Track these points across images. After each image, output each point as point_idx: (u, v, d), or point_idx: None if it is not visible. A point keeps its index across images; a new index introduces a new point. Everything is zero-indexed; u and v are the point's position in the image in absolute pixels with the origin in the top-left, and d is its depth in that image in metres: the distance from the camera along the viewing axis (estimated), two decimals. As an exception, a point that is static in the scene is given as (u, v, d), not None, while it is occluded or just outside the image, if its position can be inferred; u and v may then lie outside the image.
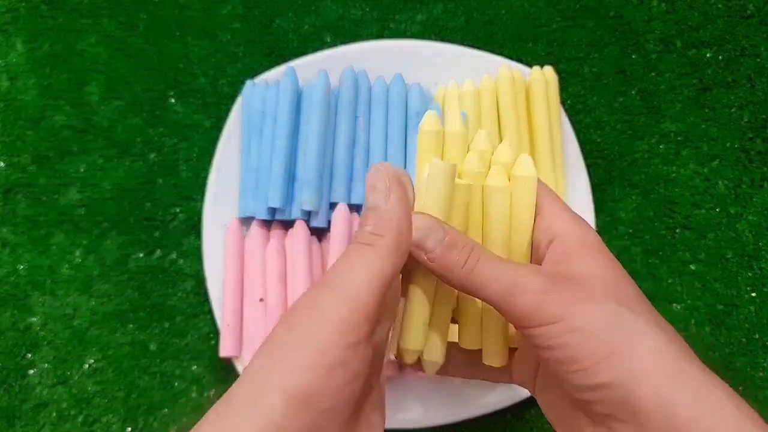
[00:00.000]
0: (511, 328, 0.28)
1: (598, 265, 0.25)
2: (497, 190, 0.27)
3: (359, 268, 0.22)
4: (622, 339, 0.22)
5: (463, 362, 0.29)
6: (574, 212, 0.27)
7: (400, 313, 0.27)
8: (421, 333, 0.26)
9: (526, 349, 0.29)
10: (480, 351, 0.28)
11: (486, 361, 0.28)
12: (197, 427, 0.21)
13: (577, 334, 0.22)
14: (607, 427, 0.23)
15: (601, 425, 0.23)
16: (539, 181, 0.27)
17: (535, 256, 0.27)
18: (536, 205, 0.27)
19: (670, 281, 0.49)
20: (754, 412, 0.21)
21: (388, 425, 0.43)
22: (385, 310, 0.24)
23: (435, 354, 0.27)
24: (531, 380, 0.28)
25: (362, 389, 0.22)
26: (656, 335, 0.22)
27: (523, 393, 0.44)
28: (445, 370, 0.28)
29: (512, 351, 0.29)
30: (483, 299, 0.25)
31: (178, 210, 0.50)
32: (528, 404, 0.46)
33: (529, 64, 0.49)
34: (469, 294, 0.25)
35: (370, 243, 0.23)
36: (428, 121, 0.27)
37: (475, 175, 0.26)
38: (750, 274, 0.49)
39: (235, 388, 0.21)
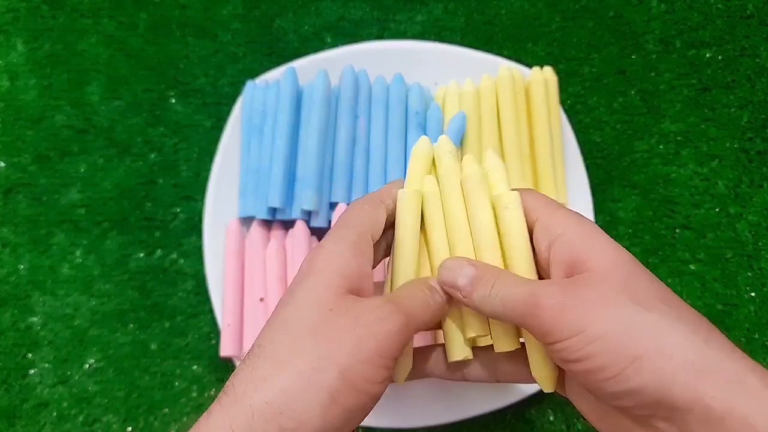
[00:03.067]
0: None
1: (605, 258, 0.25)
2: (481, 208, 0.27)
3: (421, 310, 0.26)
4: (644, 341, 0.22)
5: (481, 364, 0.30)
6: (567, 208, 0.27)
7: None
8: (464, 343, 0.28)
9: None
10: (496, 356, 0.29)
11: (498, 348, 0.28)
12: (247, 387, 0.23)
13: (599, 343, 0.22)
14: (652, 427, 0.23)
15: (645, 425, 0.23)
16: (525, 190, 0.28)
17: (540, 260, 0.27)
18: (528, 210, 0.27)
19: (669, 281, 0.49)
20: None
21: (389, 425, 0.44)
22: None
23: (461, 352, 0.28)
24: (560, 386, 0.28)
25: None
26: (677, 329, 0.22)
27: (523, 392, 0.44)
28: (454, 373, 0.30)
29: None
30: (509, 321, 0.26)
31: (178, 210, 0.50)
32: (528, 404, 0.46)
33: (529, 65, 0.49)
34: (498, 319, 0.26)
35: (440, 298, 0.27)
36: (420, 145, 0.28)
37: (441, 191, 0.28)
38: (749, 273, 0.49)
39: (291, 357, 0.23)
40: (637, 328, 0.22)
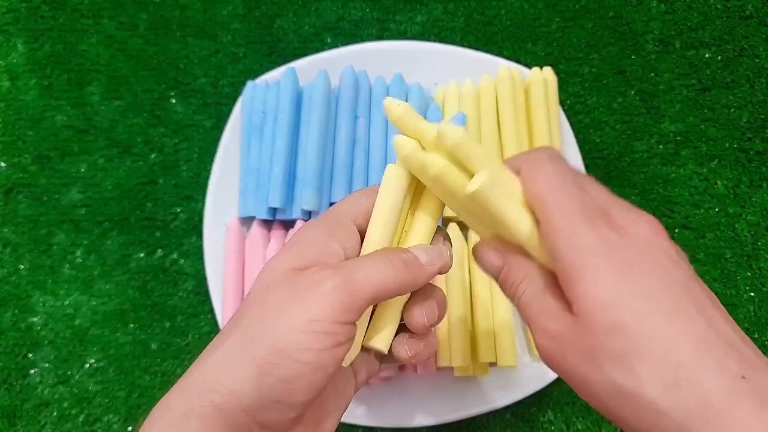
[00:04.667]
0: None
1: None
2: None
3: (374, 270, 0.24)
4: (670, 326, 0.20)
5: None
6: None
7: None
8: (390, 334, 0.27)
9: None
10: None
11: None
12: (191, 369, 0.24)
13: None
14: None
15: None
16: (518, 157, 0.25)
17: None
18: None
19: (669, 281, 0.49)
20: None
21: (389, 425, 0.44)
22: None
23: (381, 343, 0.27)
24: None
25: (335, 367, 0.24)
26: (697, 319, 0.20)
27: (522, 392, 0.44)
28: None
29: None
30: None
31: (178, 210, 0.50)
32: (527, 403, 0.47)
33: (529, 65, 0.49)
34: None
35: (401, 260, 0.25)
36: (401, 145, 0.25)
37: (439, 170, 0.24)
38: (749, 273, 0.49)
39: (227, 336, 0.24)
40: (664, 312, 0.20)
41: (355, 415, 0.44)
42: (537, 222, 0.24)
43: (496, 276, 0.26)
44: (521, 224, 0.24)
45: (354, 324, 0.24)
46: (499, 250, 0.26)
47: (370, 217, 0.26)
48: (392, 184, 0.26)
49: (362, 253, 0.26)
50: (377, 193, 0.26)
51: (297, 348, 0.22)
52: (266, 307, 0.24)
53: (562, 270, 0.22)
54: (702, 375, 0.19)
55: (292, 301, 0.23)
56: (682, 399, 0.19)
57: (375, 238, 0.26)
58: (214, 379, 0.23)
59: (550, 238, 0.23)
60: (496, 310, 0.44)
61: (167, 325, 0.48)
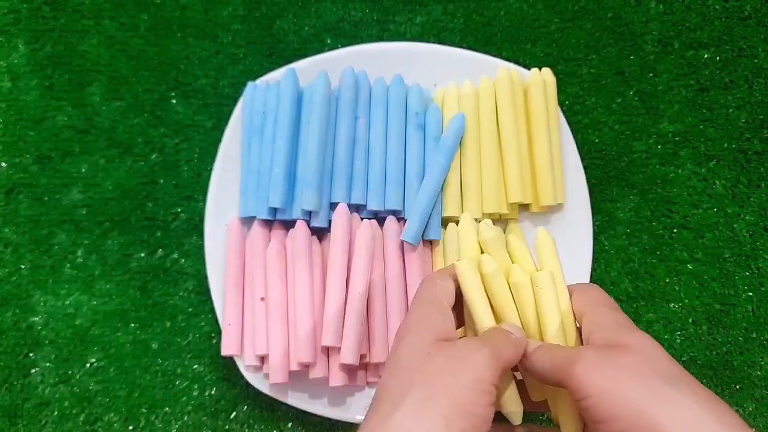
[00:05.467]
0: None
1: (638, 340, 0.28)
2: (520, 285, 0.32)
3: (502, 345, 0.30)
4: (666, 412, 0.25)
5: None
6: (610, 305, 0.31)
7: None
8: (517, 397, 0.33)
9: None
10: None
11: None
12: (375, 425, 0.27)
13: (623, 407, 0.26)
14: None
15: None
16: (578, 286, 0.33)
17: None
18: (576, 306, 0.32)
19: (667, 281, 0.49)
20: None
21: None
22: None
23: (515, 405, 0.32)
24: None
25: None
26: (692, 404, 0.25)
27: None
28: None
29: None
30: (553, 379, 0.29)
31: (179, 210, 0.50)
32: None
33: (528, 66, 0.49)
34: (544, 379, 0.30)
35: (512, 339, 0.31)
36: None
37: (493, 271, 0.32)
38: (747, 273, 0.49)
39: (405, 394, 0.27)
40: (659, 399, 0.25)
41: (355, 414, 0.44)
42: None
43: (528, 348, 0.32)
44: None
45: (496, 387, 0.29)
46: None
47: (452, 296, 0.32)
48: (469, 273, 0.32)
49: (478, 332, 0.32)
50: (449, 274, 0.33)
51: (471, 402, 0.27)
52: (434, 370, 0.28)
53: None
54: None
55: (458, 364, 0.28)
56: None
57: (483, 319, 0.32)
58: (408, 430, 0.26)
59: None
60: None
61: (168, 324, 0.48)
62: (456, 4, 0.54)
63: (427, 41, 0.52)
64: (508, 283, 0.33)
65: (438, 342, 0.29)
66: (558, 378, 0.29)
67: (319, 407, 0.44)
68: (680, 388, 0.26)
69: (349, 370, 0.43)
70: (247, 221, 0.47)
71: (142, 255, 0.49)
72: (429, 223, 0.44)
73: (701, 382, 0.27)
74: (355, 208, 0.46)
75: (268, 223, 0.46)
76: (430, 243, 0.46)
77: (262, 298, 0.44)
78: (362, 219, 0.45)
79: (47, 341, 0.48)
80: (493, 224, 0.34)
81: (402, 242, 0.44)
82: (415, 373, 0.28)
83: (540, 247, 0.34)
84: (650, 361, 0.27)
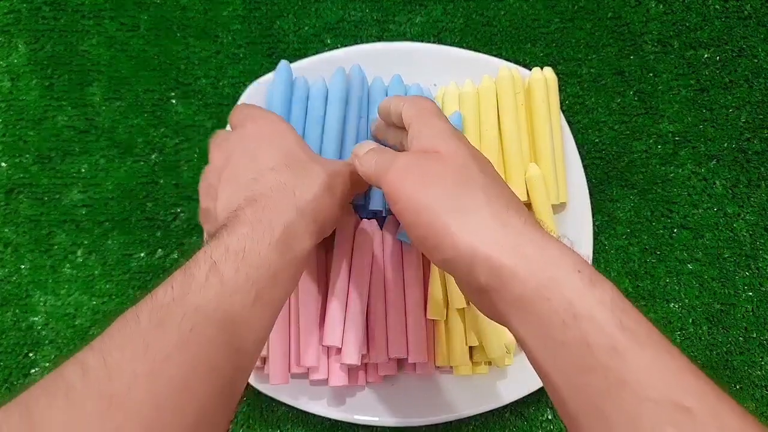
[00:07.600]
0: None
1: (450, 147, 0.29)
2: None
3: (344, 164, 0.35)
4: (459, 218, 0.26)
5: None
6: (438, 118, 0.32)
7: None
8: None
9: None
10: None
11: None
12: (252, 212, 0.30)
13: (423, 214, 0.27)
14: (489, 301, 0.26)
15: (489, 303, 0.26)
16: (411, 98, 0.35)
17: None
18: (405, 117, 0.33)
19: (667, 280, 0.49)
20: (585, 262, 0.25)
21: (389, 424, 0.44)
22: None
23: None
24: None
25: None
26: (488, 209, 0.26)
27: (522, 391, 0.44)
28: None
29: None
30: (376, 181, 0.31)
31: (179, 210, 0.50)
32: (526, 402, 0.47)
33: (528, 66, 0.49)
34: (370, 180, 0.32)
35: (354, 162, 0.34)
36: None
37: None
38: (747, 273, 0.49)
39: (263, 201, 0.30)
40: (455, 206, 0.26)
41: (355, 414, 0.44)
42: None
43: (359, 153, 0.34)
44: None
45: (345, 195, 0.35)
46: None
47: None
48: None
49: None
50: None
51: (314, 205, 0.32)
52: (283, 186, 0.32)
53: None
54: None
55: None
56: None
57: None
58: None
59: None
60: None
61: (168, 324, 0.48)
62: (456, 4, 0.54)
63: (427, 41, 0.52)
64: None
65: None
66: (376, 181, 0.30)
67: (319, 407, 0.44)
68: (476, 195, 0.27)
69: (349, 370, 0.43)
70: (247, 221, 0.47)
71: (142, 255, 0.49)
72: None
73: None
74: (356, 208, 0.46)
75: (268, 223, 0.46)
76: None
77: (262, 298, 0.44)
78: (362, 219, 0.45)
79: (47, 341, 0.48)
80: None
81: (401, 242, 0.44)
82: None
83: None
84: (456, 167, 0.28)
